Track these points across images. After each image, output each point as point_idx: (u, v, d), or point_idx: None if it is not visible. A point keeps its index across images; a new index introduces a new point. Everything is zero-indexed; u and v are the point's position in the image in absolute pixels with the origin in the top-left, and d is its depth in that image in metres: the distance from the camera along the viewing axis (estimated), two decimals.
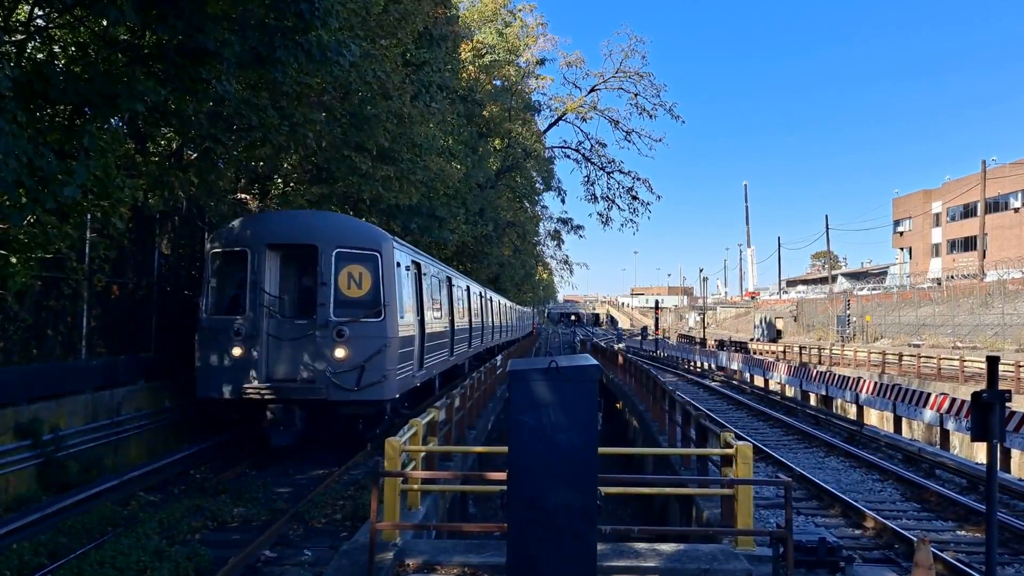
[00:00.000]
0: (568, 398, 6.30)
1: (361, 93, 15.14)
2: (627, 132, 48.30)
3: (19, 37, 11.71)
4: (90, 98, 9.21)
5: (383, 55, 14.33)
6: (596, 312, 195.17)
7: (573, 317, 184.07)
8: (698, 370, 46.24)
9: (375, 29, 14.35)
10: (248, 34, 9.41)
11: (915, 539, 9.05)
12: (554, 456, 6.25)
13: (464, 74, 33.95)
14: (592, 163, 49.29)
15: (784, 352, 51.67)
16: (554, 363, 6.35)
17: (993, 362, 5.43)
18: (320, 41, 9.65)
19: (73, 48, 12.33)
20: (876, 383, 24.70)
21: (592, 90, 48.49)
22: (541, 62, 48.02)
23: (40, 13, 11.50)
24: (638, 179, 49.09)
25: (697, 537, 9.80)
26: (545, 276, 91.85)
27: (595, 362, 6.53)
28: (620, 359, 32.59)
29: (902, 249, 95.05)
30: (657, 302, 77.30)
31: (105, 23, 10.08)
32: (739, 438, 17.29)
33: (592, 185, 49.94)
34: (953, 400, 18.96)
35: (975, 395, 5.33)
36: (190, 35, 9.14)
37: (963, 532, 10.63)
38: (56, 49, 12.73)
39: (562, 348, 78.38)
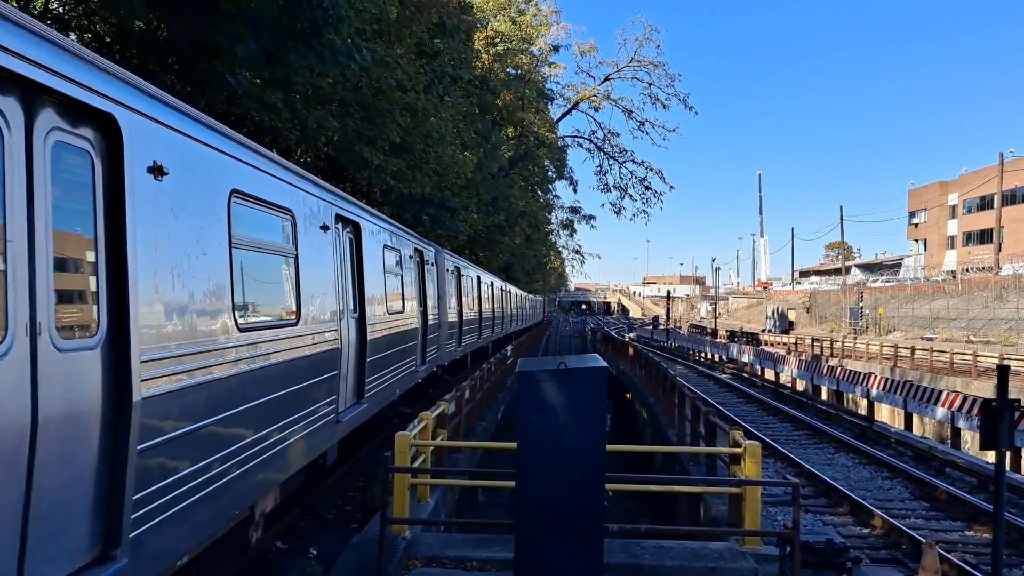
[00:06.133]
0: (576, 399, 6.32)
1: (375, 85, 15.15)
2: (641, 122, 48.27)
3: None
4: None
5: (396, 62, 14.30)
6: (607, 301, 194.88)
7: (584, 306, 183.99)
8: (708, 361, 46.17)
9: (389, 33, 14.31)
10: (261, 33, 9.44)
11: (923, 541, 9.07)
12: (562, 456, 6.28)
13: (478, 63, 33.85)
14: (605, 153, 49.26)
15: (796, 344, 51.50)
16: (563, 364, 6.37)
17: (1003, 371, 5.42)
18: (332, 45, 9.69)
19: (88, 35, 12.40)
20: (887, 379, 24.61)
21: (606, 79, 48.41)
22: (555, 49, 47.90)
23: (56, 4, 11.57)
24: (651, 169, 49.15)
25: (704, 536, 9.83)
26: (557, 264, 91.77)
27: (604, 363, 6.55)
28: (631, 351, 32.56)
29: (917, 241, 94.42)
30: (669, 292, 77.16)
31: (120, 15, 10.14)
32: (748, 434, 17.42)
33: (605, 175, 49.97)
34: (965, 398, 18.89)
35: (985, 403, 5.32)
36: (203, 31, 9.20)
37: (972, 532, 10.60)
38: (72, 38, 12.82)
39: (572, 337, 78.41)
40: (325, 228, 8.57)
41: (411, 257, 14.20)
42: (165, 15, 9.63)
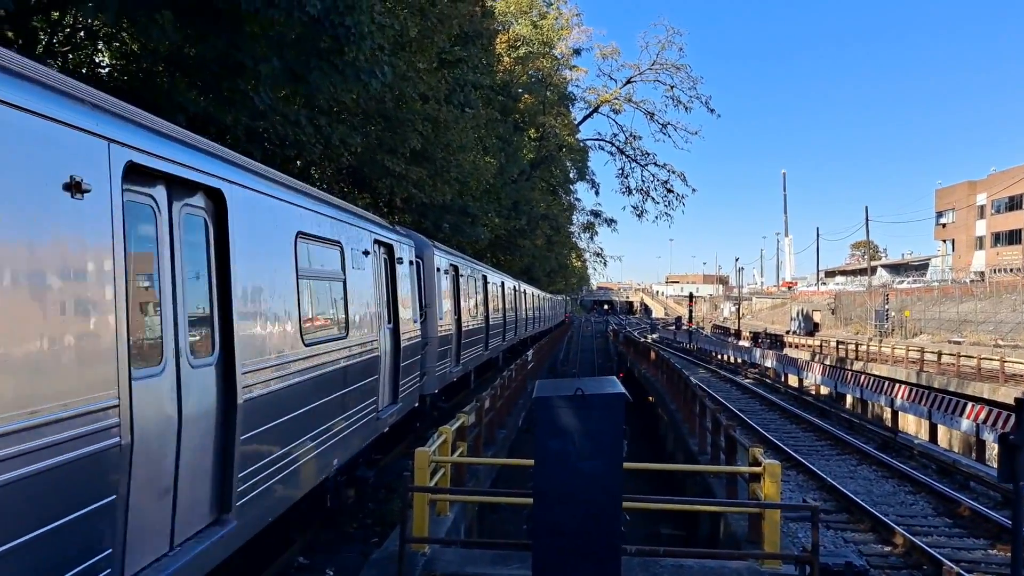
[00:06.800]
0: (593, 425, 6.36)
1: (397, 96, 15.28)
2: (663, 125, 48.25)
3: (63, 43, 12.06)
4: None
5: (419, 76, 14.40)
6: (630, 300, 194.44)
7: (606, 306, 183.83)
8: (731, 364, 45.93)
9: (410, 45, 14.42)
10: (285, 52, 9.59)
11: (944, 562, 9.03)
12: (578, 482, 6.33)
13: (499, 66, 33.92)
14: (626, 156, 49.34)
15: (821, 347, 51.07)
16: (579, 390, 6.42)
17: (1022, 404, 5.39)
18: (355, 62, 9.81)
19: (117, 44, 12.62)
20: (913, 388, 24.29)
21: (628, 82, 48.43)
22: (577, 52, 48.01)
23: (89, 22, 11.80)
24: (673, 172, 49.04)
25: (723, 556, 9.82)
26: (578, 264, 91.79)
27: (621, 389, 6.57)
28: (652, 355, 32.53)
29: (944, 241, 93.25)
30: (691, 294, 76.92)
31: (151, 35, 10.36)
32: (770, 444, 17.37)
33: (626, 178, 50.05)
34: (990, 410, 18.66)
35: (1002, 437, 5.30)
36: (229, 51, 9.37)
37: (995, 552, 10.49)
38: (100, 54, 13.08)
39: (594, 337, 78.42)
40: (77, 189, 4.19)
41: (366, 253, 9.82)
42: (192, 36, 9.81)
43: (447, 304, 16.53)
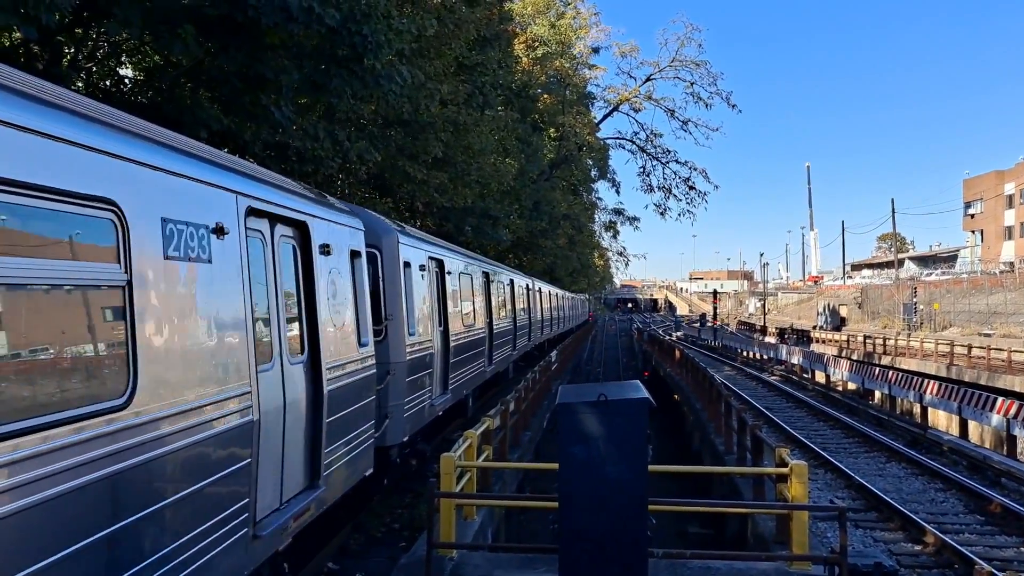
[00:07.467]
0: (617, 431, 6.38)
1: (416, 100, 15.39)
2: (683, 122, 48.11)
3: (87, 58, 12.27)
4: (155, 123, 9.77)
5: (436, 88, 14.47)
6: (654, 298, 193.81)
7: (630, 304, 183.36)
8: (756, 361, 45.62)
9: (428, 50, 14.48)
10: (304, 63, 9.72)
11: (976, 562, 8.94)
12: (603, 488, 6.35)
13: (518, 67, 33.96)
14: (647, 154, 49.20)
15: (848, 342, 50.55)
16: (603, 396, 6.43)
17: None
18: (373, 68, 9.93)
19: (139, 57, 12.80)
20: (942, 384, 23.96)
21: (647, 80, 48.31)
22: (595, 51, 47.98)
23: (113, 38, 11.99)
24: (695, 169, 48.82)
25: (751, 558, 9.78)
26: (600, 264, 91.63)
27: (645, 394, 6.58)
28: (677, 353, 32.45)
29: (973, 232, 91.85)
30: (715, 291, 76.51)
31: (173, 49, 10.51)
32: (797, 442, 17.26)
33: (648, 176, 49.95)
34: (1021, 404, 18.35)
35: None
36: (250, 64, 9.52)
37: None
38: (124, 66, 13.28)
39: (619, 335, 78.28)
40: None
41: (218, 233, 5.28)
42: (213, 50, 9.96)
43: (424, 311, 12.16)
